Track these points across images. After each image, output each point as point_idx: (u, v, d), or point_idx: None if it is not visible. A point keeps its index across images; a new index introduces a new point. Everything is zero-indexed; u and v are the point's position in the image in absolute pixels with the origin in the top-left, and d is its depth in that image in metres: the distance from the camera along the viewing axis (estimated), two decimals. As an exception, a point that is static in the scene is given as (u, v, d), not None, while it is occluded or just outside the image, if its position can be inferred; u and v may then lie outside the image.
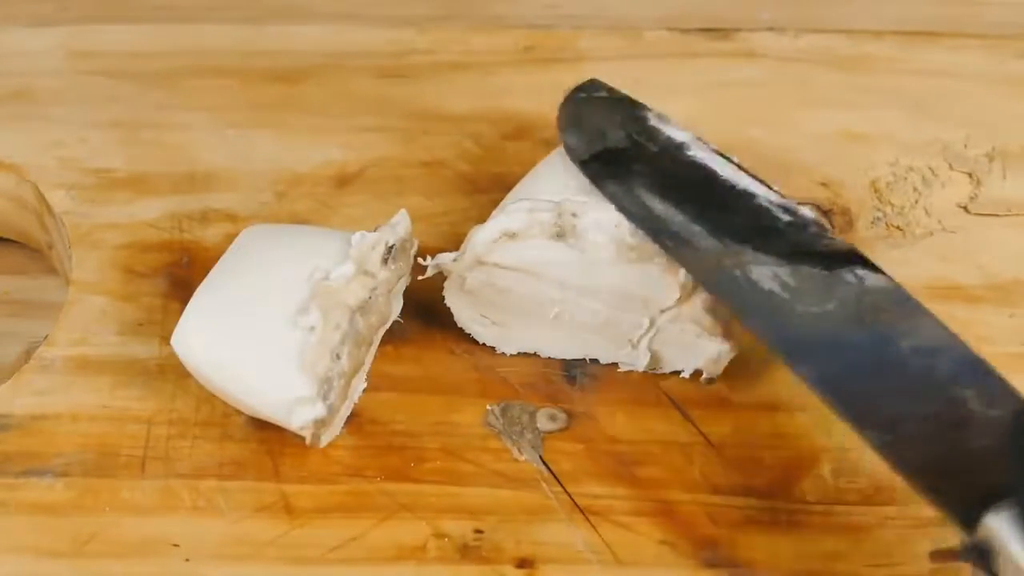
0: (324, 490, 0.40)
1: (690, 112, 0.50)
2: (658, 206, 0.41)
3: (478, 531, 0.39)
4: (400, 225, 0.42)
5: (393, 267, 0.41)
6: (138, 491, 0.40)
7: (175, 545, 0.38)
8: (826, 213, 0.48)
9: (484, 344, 0.43)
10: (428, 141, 0.50)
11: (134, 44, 0.54)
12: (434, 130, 0.51)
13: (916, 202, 0.48)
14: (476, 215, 0.46)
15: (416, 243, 0.43)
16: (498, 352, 0.43)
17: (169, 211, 0.48)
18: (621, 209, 0.41)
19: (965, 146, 0.50)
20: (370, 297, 0.40)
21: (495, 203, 0.43)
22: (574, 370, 0.43)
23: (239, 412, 0.41)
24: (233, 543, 0.38)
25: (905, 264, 0.46)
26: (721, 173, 0.42)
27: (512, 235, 0.41)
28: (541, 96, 0.49)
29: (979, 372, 0.37)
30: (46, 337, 0.44)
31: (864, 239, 0.47)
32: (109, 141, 0.50)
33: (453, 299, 0.43)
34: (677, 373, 0.43)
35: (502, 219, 0.41)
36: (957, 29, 0.55)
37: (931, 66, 0.54)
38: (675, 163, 0.43)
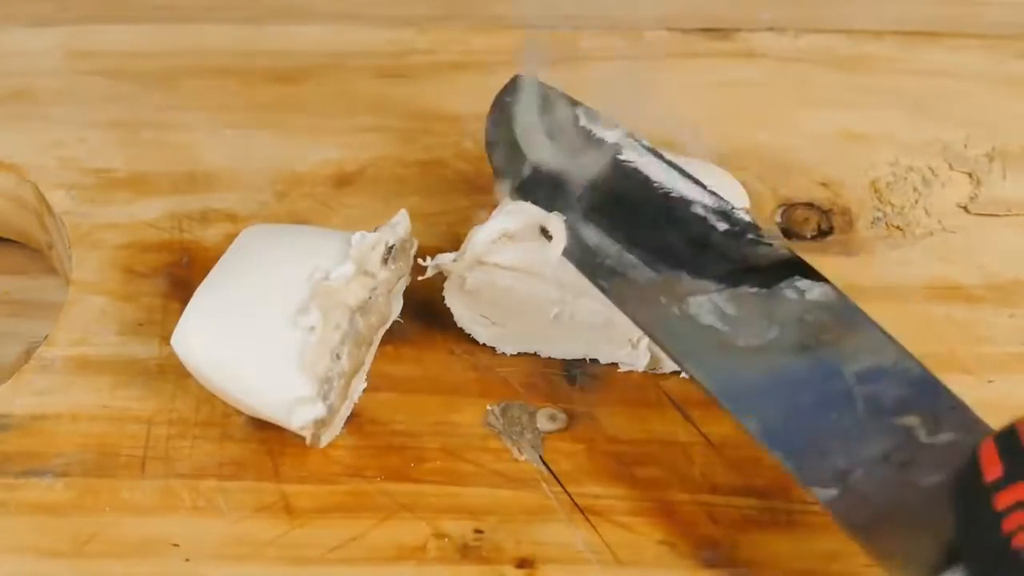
0: (324, 490, 0.40)
1: (690, 112, 0.50)
2: (592, 236, 0.40)
3: (478, 531, 0.39)
4: (400, 225, 0.42)
5: (393, 267, 0.41)
6: (138, 491, 0.40)
7: (175, 545, 0.38)
8: (826, 213, 0.48)
9: (484, 344, 0.43)
10: (428, 141, 0.50)
11: (134, 44, 0.54)
12: (434, 130, 0.51)
13: (916, 202, 0.48)
14: (476, 215, 0.46)
15: (416, 243, 0.43)
16: (498, 352, 0.43)
17: (169, 211, 0.48)
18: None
19: (965, 146, 0.50)
20: (370, 297, 0.40)
21: (495, 203, 0.43)
22: (574, 370, 0.43)
23: (239, 412, 0.41)
24: (233, 543, 0.38)
25: (905, 264, 0.46)
26: (654, 179, 0.41)
27: (511, 236, 0.41)
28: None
29: (925, 389, 0.36)
30: (46, 337, 0.44)
31: (864, 239, 0.47)
32: (109, 141, 0.50)
33: (453, 299, 0.43)
34: (677, 373, 0.43)
35: (501, 220, 0.41)
36: (957, 29, 0.55)
37: (931, 66, 0.54)
38: (607, 175, 0.42)
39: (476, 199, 0.48)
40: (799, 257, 0.39)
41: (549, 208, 0.41)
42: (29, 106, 0.52)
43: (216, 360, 0.39)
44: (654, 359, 0.42)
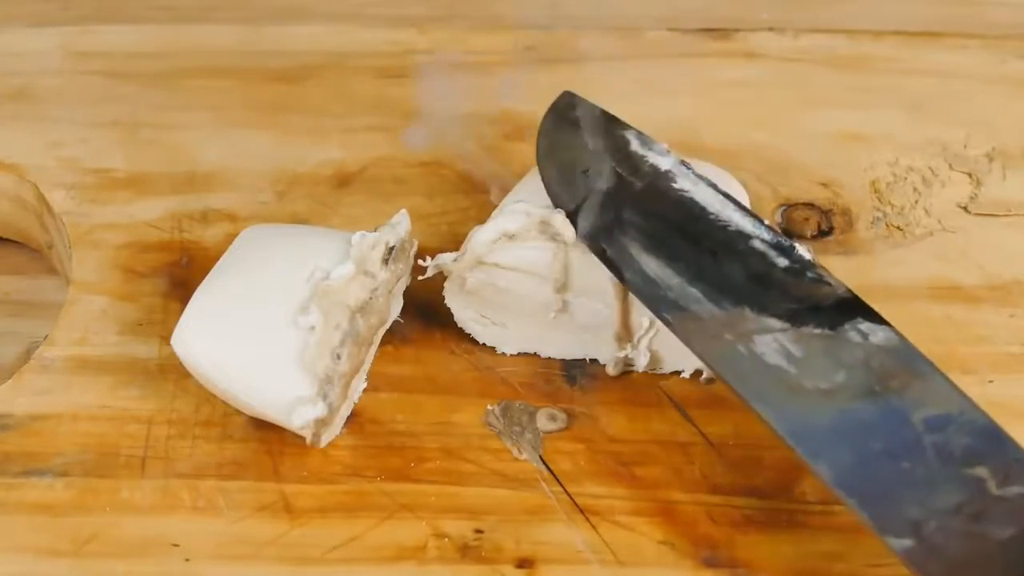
0: (324, 490, 0.40)
1: (690, 112, 0.51)
2: (652, 265, 0.40)
3: (478, 531, 0.39)
4: (400, 225, 0.42)
5: (393, 267, 0.41)
6: (138, 491, 0.40)
7: (175, 545, 0.38)
8: (826, 213, 0.48)
9: (484, 344, 0.43)
10: (431, 142, 0.50)
11: (134, 44, 0.54)
12: (434, 130, 0.51)
13: (916, 202, 0.48)
14: (476, 215, 0.46)
15: (416, 243, 0.43)
16: (498, 352, 0.43)
17: (169, 211, 0.48)
18: (620, 278, 0.40)
19: (965, 146, 0.50)
20: (370, 297, 0.40)
21: (493, 204, 0.43)
22: (574, 370, 0.43)
23: (239, 412, 0.41)
24: (233, 543, 0.38)
25: (905, 264, 0.46)
26: (710, 209, 0.41)
27: (512, 236, 0.41)
28: (541, 96, 0.49)
29: (992, 440, 0.36)
30: (46, 337, 0.44)
31: (864, 239, 0.47)
32: (109, 141, 0.50)
33: (453, 299, 0.43)
34: (677, 373, 0.43)
35: (501, 220, 0.41)
36: (957, 29, 0.55)
37: (931, 66, 0.54)
38: (662, 202, 0.41)
39: (476, 199, 0.48)
40: (860, 298, 0.39)
41: (604, 237, 0.41)
42: (29, 106, 0.52)
43: (216, 360, 0.39)
44: (654, 359, 0.42)
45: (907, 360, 0.38)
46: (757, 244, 0.40)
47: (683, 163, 0.42)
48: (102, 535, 0.39)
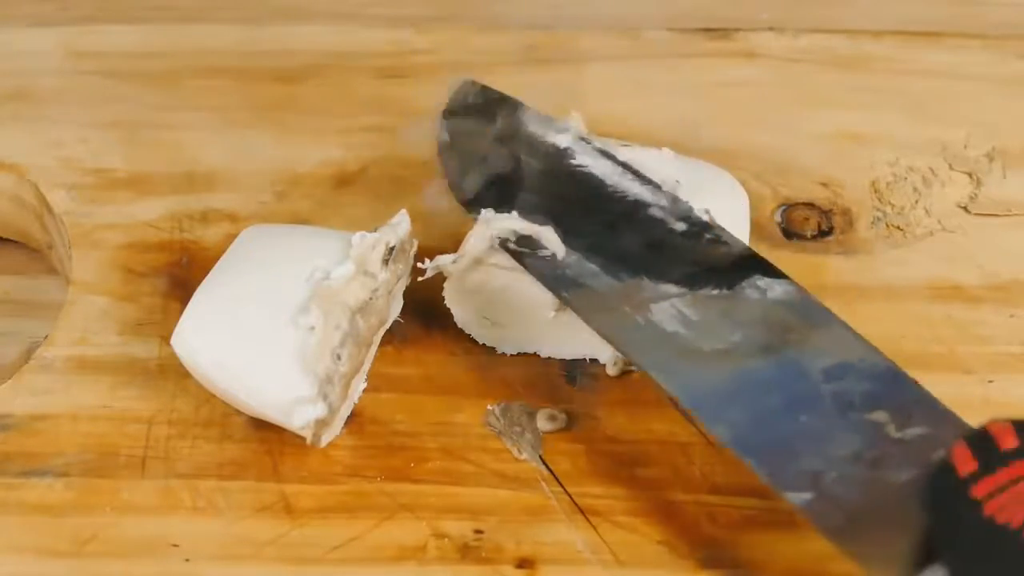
0: (324, 490, 0.40)
1: (690, 112, 0.51)
2: (550, 247, 0.40)
3: (478, 531, 0.39)
4: (400, 226, 0.42)
5: (393, 268, 0.41)
6: (138, 491, 0.40)
7: (175, 545, 0.38)
8: (826, 213, 0.48)
9: (484, 344, 0.43)
10: (428, 141, 0.50)
11: (134, 44, 0.54)
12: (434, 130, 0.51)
13: (916, 202, 0.48)
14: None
15: (416, 243, 0.43)
16: (498, 352, 0.43)
17: (169, 211, 0.48)
18: (522, 264, 0.40)
19: (965, 146, 0.50)
20: (370, 298, 0.40)
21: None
22: (574, 370, 0.43)
23: (239, 412, 0.41)
24: (233, 543, 0.38)
25: (905, 264, 0.46)
26: (609, 182, 0.41)
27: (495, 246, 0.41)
28: (541, 96, 0.49)
29: (892, 383, 0.36)
30: (46, 337, 0.44)
31: (864, 239, 0.47)
32: (109, 141, 0.50)
33: (453, 300, 0.43)
34: (677, 373, 0.43)
35: (497, 224, 0.41)
36: (958, 29, 0.55)
37: (931, 66, 0.54)
38: (561, 180, 0.41)
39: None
40: (758, 255, 0.39)
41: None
42: (29, 106, 0.52)
43: (216, 360, 0.39)
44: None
45: (805, 312, 0.37)
46: (655, 212, 0.40)
47: (583, 138, 0.42)
48: (102, 535, 0.39)
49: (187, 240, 0.47)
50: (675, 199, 0.40)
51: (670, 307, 0.38)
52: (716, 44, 0.54)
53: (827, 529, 0.34)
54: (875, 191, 0.49)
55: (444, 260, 0.42)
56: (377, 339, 0.42)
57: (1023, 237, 0.47)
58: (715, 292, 0.38)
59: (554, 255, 0.39)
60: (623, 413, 0.42)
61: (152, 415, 0.41)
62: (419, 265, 0.42)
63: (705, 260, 0.39)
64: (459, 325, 0.43)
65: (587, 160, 0.42)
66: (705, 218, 0.40)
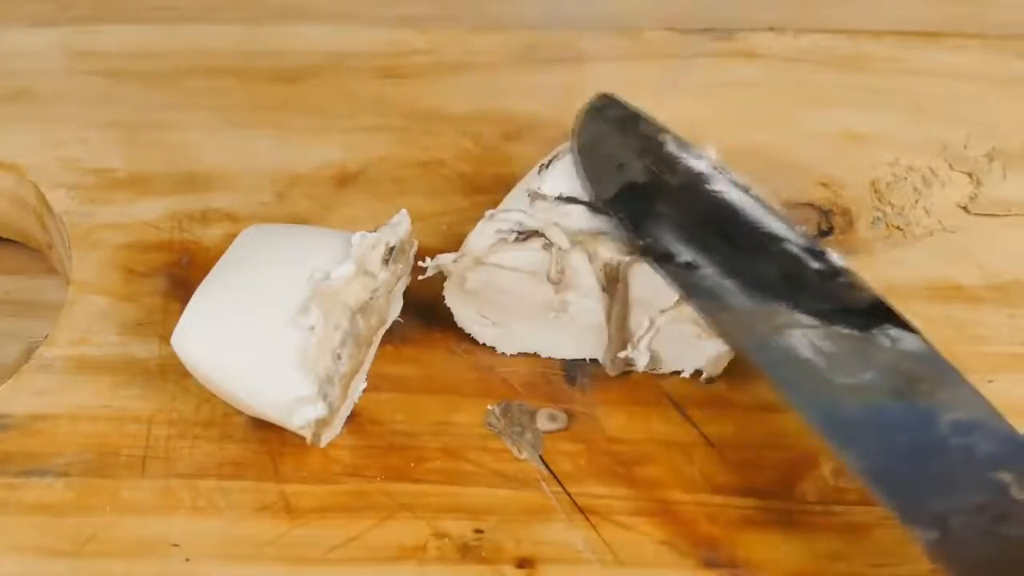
0: (324, 490, 0.40)
1: (690, 112, 0.50)
2: (687, 255, 0.41)
3: (478, 531, 0.39)
4: (400, 225, 0.42)
5: (393, 267, 0.41)
6: (138, 491, 0.40)
7: (175, 545, 0.38)
8: (826, 213, 0.48)
9: (484, 344, 0.43)
10: (428, 141, 0.50)
11: (134, 44, 0.54)
12: (434, 130, 0.51)
13: (916, 202, 0.48)
14: (476, 215, 0.46)
15: (416, 243, 0.43)
16: (498, 352, 0.43)
17: (169, 211, 0.48)
18: (654, 260, 0.41)
19: (965, 146, 0.50)
20: (370, 297, 0.40)
21: (495, 203, 0.43)
22: (574, 370, 0.43)
23: (239, 412, 0.41)
24: (233, 543, 0.38)
25: (905, 264, 0.46)
26: (744, 211, 0.42)
27: (506, 240, 0.41)
28: (541, 96, 0.49)
29: (1015, 448, 0.36)
30: (46, 337, 0.44)
31: (864, 239, 0.47)
32: (109, 141, 0.50)
33: (453, 299, 0.43)
34: (677, 373, 0.43)
35: (496, 224, 0.41)
36: (958, 29, 0.55)
37: (931, 66, 0.54)
38: (697, 201, 0.42)
39: (476, 199, 0.48)
40: (891, 305, 0.39)
41: (637, 224, 0.41)
42: (29, 106, 0.52)
43: (216, 360, 0.39)
44: (654, 359, 0.42)
45: (935, 367, 0.38)
46: (789, 247, 0.41)
47: (718, 168, 0.43)
48: (102, 535, 0.39)
49: (187, 240, 0.47)
50: (810, 237, 0.41)
51: (803, 336, 0.39)
52: (716, 44, 0.54)
53: (950, 572, 0.35)
54: (875, 191, 0.49)
55: (444, 260, 0.42)
56: (377, 339, 0.42)
57: (1023, 237, 0.47)
58: (847, 332, 0.39)
59: (688, 263, 0.40)
60: (623, 413, 0.42)
61: (152, 415, 0.41)
62: (419, 264, 0.42)
63: (839, 300, 0.40)
64: (459, 325, 0.43)
65: (723, 187, 0.43)
66: (840, 262, 0.41)
